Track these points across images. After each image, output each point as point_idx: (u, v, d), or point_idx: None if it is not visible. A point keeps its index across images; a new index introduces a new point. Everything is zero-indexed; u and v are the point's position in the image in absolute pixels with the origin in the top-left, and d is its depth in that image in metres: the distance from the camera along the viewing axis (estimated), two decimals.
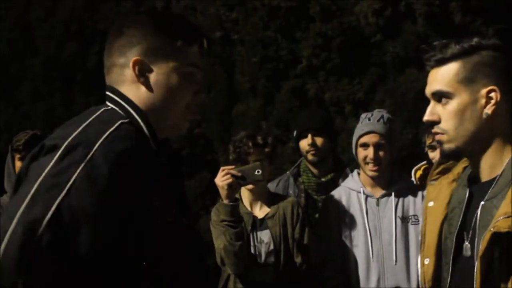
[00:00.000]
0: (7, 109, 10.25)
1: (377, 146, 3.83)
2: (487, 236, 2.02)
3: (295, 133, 4.49)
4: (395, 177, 4.01)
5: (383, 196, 3.93)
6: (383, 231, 3.86)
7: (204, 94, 2.26)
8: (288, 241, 3.93)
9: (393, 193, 3.90)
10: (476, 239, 2.11)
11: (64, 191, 1.79)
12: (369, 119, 3.92)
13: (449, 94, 2.14)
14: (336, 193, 4.14)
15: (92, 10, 10.52)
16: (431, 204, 2.38)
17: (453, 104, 2.13)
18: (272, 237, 3.95)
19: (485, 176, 2.18)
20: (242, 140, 3.95)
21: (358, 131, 3.95)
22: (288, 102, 8.71)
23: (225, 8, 9.37)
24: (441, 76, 2.16)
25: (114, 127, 1.94)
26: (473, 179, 2.25)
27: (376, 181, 3.96)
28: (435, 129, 2.19)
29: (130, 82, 2.09)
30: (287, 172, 4.59)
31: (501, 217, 2.00)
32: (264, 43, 9.04)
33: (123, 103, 2.09)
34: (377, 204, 3.93)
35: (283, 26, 9.03)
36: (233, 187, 3.74)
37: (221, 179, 3.70)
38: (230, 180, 3.68)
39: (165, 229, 1.99)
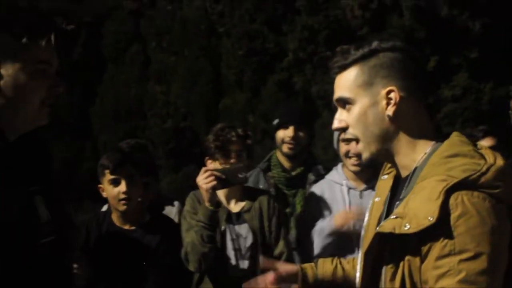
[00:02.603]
0: None
1: (359, 141, 3.78)
2: (371, 235, 2.07)
3: (276, 121, 4.33)
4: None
5: (366, 189, 3.89)
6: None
7: (61, 87, 2.19)
8: (265, 234, 3.84)
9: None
10: None
11: None
12: None
13: (351, 100, 2.11)
14: (319, 186, 4.04)
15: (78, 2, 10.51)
16: (377, 199, 2.34)
17: (356, 110, 2.11)
18: (252, 230, 3.84)
19: (403, 174, 2.17)
20: (224, 129, 3.81)
21: None
22: (274, 95, 8.77)
23: (211, 1, 9.44)
24: (343, 82, 2.13)
25: None
26: (397, 180, 2.24)
27: (359, 174, 3.90)
28: (347, 135, 2.21)
29: None
30: (257, 166, 4.44)
31: (392, 217, 1.98)
32: (250, 36, 9.11)
33: None
34: (361, 197, 3.88)
35: (270, 19, 9.08)
36: (216, 189, 3.62)
37: (204, 181, 3.58)
38: (214, 182, 3.55)
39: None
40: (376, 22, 8.89)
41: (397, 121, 2.08)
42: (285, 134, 4.18)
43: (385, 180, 2.36)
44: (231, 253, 3.79)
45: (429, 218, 1.86)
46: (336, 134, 3.89)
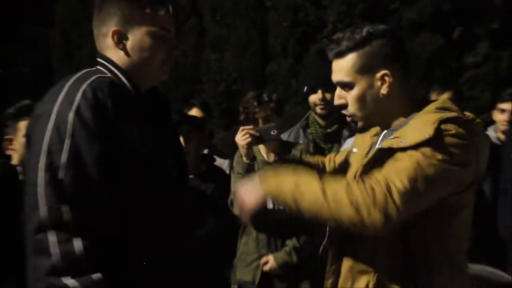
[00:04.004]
0: (69, 70, 9.98)
1: None
2: (374, 150, 2.22)
3: (305, 89, 4.49)
4: None
5: None
6: None
7: (176, 51, 2.37)
8: None
9: None
10: None
11: (68, 137, 2.02)
12: None
13: (350, 84, 2.25)
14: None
15: None
16: (355, 150, 2.48)
17: (354, 92, 2.25)
18: None
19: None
20: (248, 101, 3.97)
21: None
22: (315, 62, 8.60)
23: None
24: (341, 68, 2.26)
25: (89, 80, 2.11)
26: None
27: None
28: (346, 112, 2.32)
29: (112, 48, 2.25)
30: (297, 124, 4.59)
31: (389, 138, 2.17)
32: (294, 9, 9.02)
33: (107, 63, 2.26)
34: None
35: None
36: (252, 146, 3.73)
37: (241, 138, 3.68)
38: (249, 139, 3.66)
39: (138, 153, 2.13)
40: None
41: (389, 98, 2.24)
42: (315, 97, 4.37)
43: (363, 135, 2.51)
44: (268, 199, 4.09)
45: (425, 135, 2.03)
46: None
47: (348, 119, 2.40)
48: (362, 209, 1.98)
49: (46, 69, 12.20)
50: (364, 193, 1.99)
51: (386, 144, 2.12)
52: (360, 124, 2.32)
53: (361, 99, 2.24)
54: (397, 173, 2.01)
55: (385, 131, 2.30)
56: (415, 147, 2.04)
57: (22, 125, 3.48)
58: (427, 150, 2.03)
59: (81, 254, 1.96)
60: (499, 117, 4.78)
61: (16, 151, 3.65)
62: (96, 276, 1.97)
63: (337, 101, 2.32)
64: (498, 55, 8.57)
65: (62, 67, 10.86)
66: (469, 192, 2.18)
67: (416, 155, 2.02)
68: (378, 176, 2.03)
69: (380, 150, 2.14)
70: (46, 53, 12.71)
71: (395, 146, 2.08)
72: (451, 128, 2.06)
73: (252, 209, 2.27)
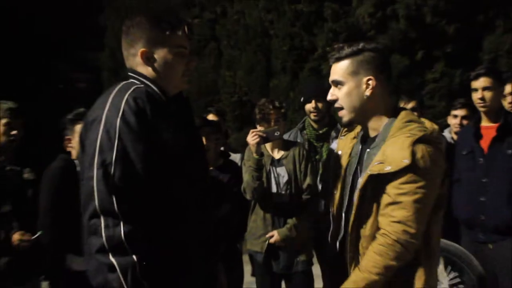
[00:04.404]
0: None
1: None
2: (365, 176, 2.07)
3: (302, 99, 4.43)
4: None
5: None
6: None
7: (195, 62, 2.27)
8: (297, 173, 3.89)
9: None
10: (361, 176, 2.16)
11: (117, 139, 1.96)
12: None
13: (342, 82, 2.17)
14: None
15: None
16: (340, 152, 2.40)
17: (344, 89, 2.18)
18: (287, 171, 3.89)
19: (371, 135, 2.23)
20: (264, 104, 3.89)
21: None
22: (308, 78, 8.65)
23: (264, 12, 9.36)
24: (337, 69, 2.19)
25: (130, 90, 2.05)
26: (364, 138, 2.29)
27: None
28: (336, 105, 2.24)
29: (141, 65, 2.16)
30: (296, 127, 4.54)
31: (376, 163, 2.05)
32: (291, 36, 9.06)
33: (139, 77, 2.17)
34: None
35: (305, 24, 9.01)
36: (260, 144, 3.67)
37: (251, 138, 3.65)
38: (258, 139, 3.62)
39: (173, 151, 2.07)
40: (380, 27, 8.75)
41: (372, 100, 2.16)
42: (309, 106, 4.28)
43: (344, 139, 2.45)
44: (273, 186, 3.91)
45: (404, 160, 1.96)
46: None
47: (339, 113, 2.25)
48: (398, 257, 2.03)
49: (96, 84, 12.27)
50: (388, 247, 2.03)
51: (375, 170, 2.04)
52: (344, 119, 2.23)
53: (349, 96, 2.18)
54: (401, 219, 2.01)
55: (368, 150, 2.22)
56: (399, 174, 1.99)
57: (78, 127, 3.42)
58: (410, 177, 2.00)
59: (124, 237, 1.92)
60: (453, 121, 4.76)
61: (74, 148, 3.61)
62: (135, 257, 1.93)
63: (329, 97, 2.26)
64: (452, 73, 8.55)
65: (110, 82, 10.69)
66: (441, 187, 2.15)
67: (406, 191, 2.00)
68: (388, 228, 2.04)
69: (370, 176, 2.06)
70: (97, 71, 12.83)
71: (382, 172, 2.01)
72: (423, 149, 2.01)
73: None
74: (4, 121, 3.62)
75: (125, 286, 1.91)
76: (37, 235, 3.44)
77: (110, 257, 1.91)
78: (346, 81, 2.18)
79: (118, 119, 1.98)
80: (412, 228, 1.98)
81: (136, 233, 1.94)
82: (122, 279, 1.91)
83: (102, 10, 12.38)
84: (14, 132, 3.65)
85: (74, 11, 12.36)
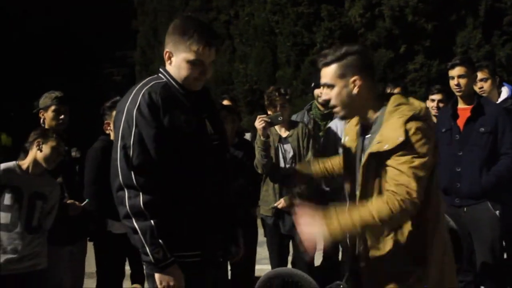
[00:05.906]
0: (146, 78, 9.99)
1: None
2: (366, 155, 2.07)
3: (312, 84, 4.41)
4: None
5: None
6: None
7: (209, 74, 2.19)
8: (301, 149, 3.88)
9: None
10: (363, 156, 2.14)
11: (134, 127, 2.03)
12: None
13: (332, 85, 2.13)
14: (334, 123, 4.05)
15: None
16: (347, 138, 2.35)
17: (335, 90, 2.13)
18: (293, 148, 3.88)
19: (368, 123, 2.19)
20: (272, 92, 3.87)
21: None
22: (309, 69, 8.61)
23: (271, 13, 9.27)
24: (326, 74, 2.15)
25: (148, 86, 2.10)
26: (363, 126, 2.25)
27: None
28: (331, 103, 2.19)
29: (167, 63, 2.19)
30: (304, 109, 4.55)
31: (374, 143, 2.04)
32: (294, 34, 9.00)
33: (163, 72, 2.19)
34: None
35: (306, 24, 8.95)
36: (266, 128, 3.65)
37: (258, 123, 3.64)
38: (264, 124, 3.61)
39: (184, 132, 2.09)
40: (369, 25, 8.69)
41: (360, 96, 2.12)
42: (318, 91, 4.23)
43: (349, 127, 2.38)
44: (281, 161, 3.91)
45: (399, 138, 1.94)
46: None
47: (334, 110, 2.21)
48: (401, 207, 1.96)
49: (130, 77, 12.38)
50: (393, 201, 1.97)
51: (374, 148, 2.03)
52: (340, 114, 2.20)
53: (339, 95, 2.14)
54: (403, 183, 1.97)
55: (367, 135, 2.18)
56: (396, 150, 1.97)
57: (114, 113, 3.44)
58: (406, 151, 1.97)
59: (143, 205, 1.99)
60: (430, 104, 4.72)
61: (112, 131, 3.59)
62: (152, 221, 2.00)
63: (324, 97, 2.24)
64: (430, 63, 8.49)
65: (141, 75, 10.84)
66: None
67: (404, 160, 1.97)
68: (393, 188, 1.98)
69: (371, 154, 2.05)
70: (131, 67, 12.90)
71: (381, 150, 1.99)
72: (413, 125, 1.98)
73: (315, 245, 2.04)
74: (53, 107, 3.62)
75: (145, 245, 2.00)
76: (84, 203, 3.46)
77: (134, 222, 2.00)
78: (335, 83, 2.13)
79: (135, 110, 2.04)
80: (414, 189, 1.94)
81: (154, 202, 2.00)
82: (142, 239, 2.00)
83: (135, 16, 12.53)
84: (62, 116, 3.64)
85: (112, 17, 12.77)
